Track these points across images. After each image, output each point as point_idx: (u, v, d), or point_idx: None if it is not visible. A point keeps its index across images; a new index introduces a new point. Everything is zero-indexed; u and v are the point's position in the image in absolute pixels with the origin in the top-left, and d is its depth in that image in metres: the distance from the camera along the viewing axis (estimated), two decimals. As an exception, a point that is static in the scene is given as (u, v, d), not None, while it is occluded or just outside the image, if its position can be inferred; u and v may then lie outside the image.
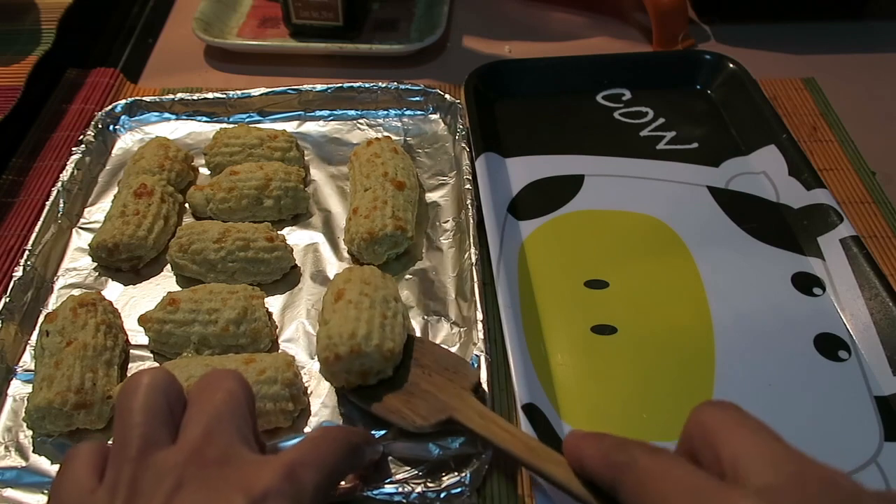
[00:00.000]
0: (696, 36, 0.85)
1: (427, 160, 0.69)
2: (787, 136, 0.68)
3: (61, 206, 0.63)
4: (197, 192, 0.64)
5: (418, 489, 0.45)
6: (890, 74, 0.81)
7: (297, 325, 0.56)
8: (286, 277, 0.60)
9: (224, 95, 0.74)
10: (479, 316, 0.53)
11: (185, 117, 0.74)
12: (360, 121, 0.74)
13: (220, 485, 0.34)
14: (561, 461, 0.40)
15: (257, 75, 0.82)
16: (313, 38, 0.83)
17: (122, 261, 0.59)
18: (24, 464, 0.48)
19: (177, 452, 0.35)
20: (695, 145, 0.71)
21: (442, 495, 0.45)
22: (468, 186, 0.63)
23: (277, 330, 0.56)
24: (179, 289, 0.58)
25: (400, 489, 0.45)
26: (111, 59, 0.87)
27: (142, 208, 0.60)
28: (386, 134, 0.71)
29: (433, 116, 0.73)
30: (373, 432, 0.49)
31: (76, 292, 0.57)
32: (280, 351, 0.55)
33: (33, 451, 0.49)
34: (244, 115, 0.74)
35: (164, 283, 0.60)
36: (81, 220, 0.65)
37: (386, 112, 0.74)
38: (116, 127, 0.73)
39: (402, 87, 0.73)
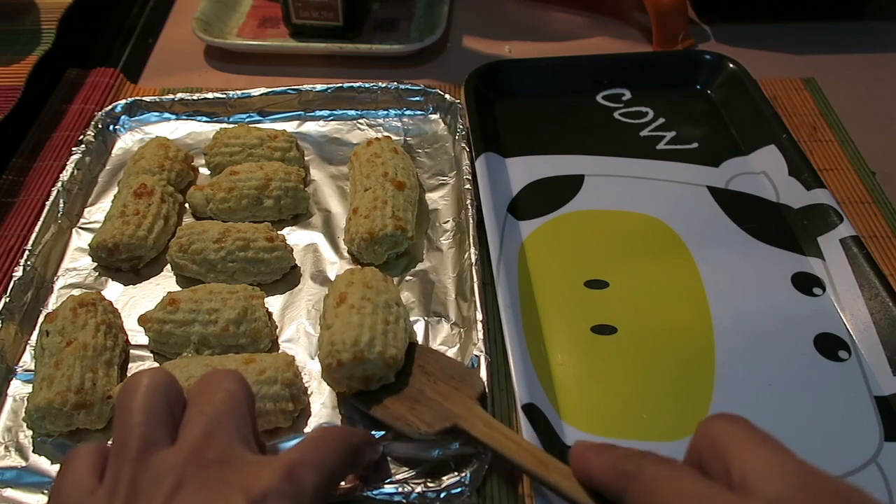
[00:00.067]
0: (696, 36, 0.85)
1: (427, 160, 0.69)
2: (787, 136, 0.68)
3: (61, 206, 0.63)
4: (197, 192, 0.64)
5: (418, 489, 0.45)
6: (890, 74, 0.81)
7: (297, 325, 0.56)
8: (286, 277, 0.60)
9: (224, 95, 0.74)
10: (479, 316, 0.53)
11: (185, 117, 0.74)
12: (360, 121, 0.74)
13: (220, 485, 0.34)
14: (566, 471, 0.40)
15: (257, 75, 0.82)
16: (313, 38, 0.83)
17: (122, 261, 0.59)
18: (24, 464, 0.48)
19: (176, 453, 0.35)
20: (695, 145, 0.71)
21: (442, 495, 0.45)
22: (468, 186, 0.63)
23: (277, 330, 0.56)
24: (179, 289, 0.58)
25: (400, 489, 0.45)
26: (111, 59, 0.87)
27: (142, 208, 0.60)
28: (386, 134, 0.71)
29: (433, 116, 0.73)
30: (373, 433, 0.49)
31: (76, 292, 0.57)
32: (280, 351, 0.55)
33: (33, 451, 0.49)
34: (244, 115, 0.74)
35: (164, 283, 0.60)
36: (81, 220, 0.65)
37: (386, 112, 0.74)
38: (116, 127, 0.73)
39: (402, 87, 0.73)
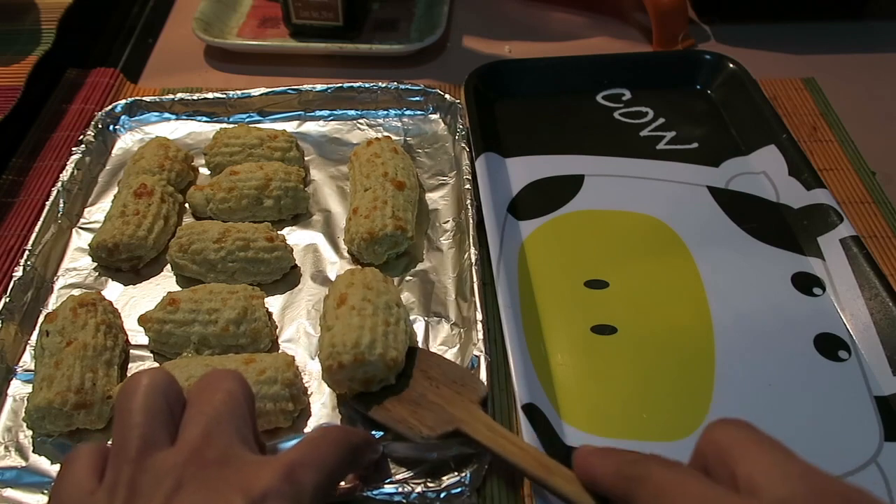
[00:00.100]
0: (696, 36, 0.85)
1: (427, 160, 0.69)
2: (787, 136, 0.68)
3: (61, 206, 0.63)
4: (197, 192, 0.64)
5: (418, 489, 0.45)
6: (890, 74, 0.81)
7: (297, 326, 0.56)
8: (286, 277, 0.60)
9: (224, 95, 0.74)
10: (479, 316, 0.53)
11: (185, 117, 0.74)
12: (360, 121, 0.74)
13: (220, 485, 0.34)
14: (570, 476, 0.40)
15: (257, 75, 0.82)
16: (313, 38, 0.83)
17: (122, 261, 0.59)
18: (24, 464, 0.48)
19: (176, 453, 0.35)
20: (695, 145, 0.71)
21: (442, 495, 0.45)
22: (468, 186, 0.63)
23: (277, 330, 0.56)
24: (179, 289, 0.58)
25: (400, 489, 0.45)
26: (111, 59, 0.87)
27: (142, 208, 0.60)
28: (386, 134, 0.71)
29: (433, 116, 0.73)
30: (372, 433, 0.49)
31: (76, 292, 0.57)
32: (280, 351, 0.55)
33: (33, 451, 0.49)
34: (244, 115, 0.74)
35: (164, 283, 0.60)
36: (81, 220, 0.65)
37: (386, 112, 0.74)
38: (116, 127, 0.73)
39: (402, 87, 0.73)
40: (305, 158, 0.70)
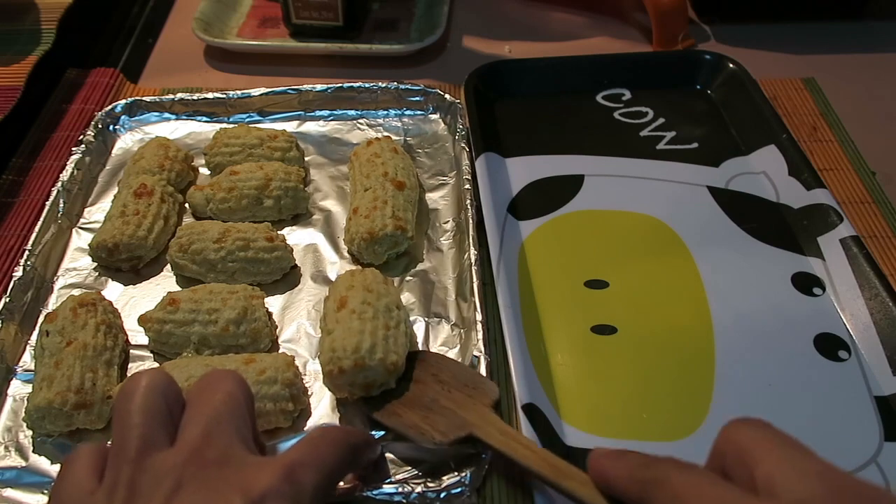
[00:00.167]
0: (696, 36, 0.85)
1: (427, 160, 0.69)
2: (787, 136, 0.68)
3: (61, 206, 0.63)
4: (197, 192, 0.64)
5: (418, 489, 0.45)
6: (890, 74, 0.81)
7: (297, 326, 0.56)
8: (286, 277, 0.60)
9: (224, 95, 0.74)
10: (479, 316, 0.53)
11: (185, 117, 0.74)
12: (360, 121, 0.74)
13: (219, 486, 0.34)
14: (584, 479, 0.40)
15: (257, 75, 0.82)
16: (313, 38, 0.83)
17: (122, 261, 0.59)
18: (24, 464, 0.48)
19: (175, 454, 0.35)
20: (695, 145, 0.71)
21: (442, 495, 0.45)
22: (468, 186, 0.63)
23: (277, 330, 0.56)
24: (179, 289, 0.58)
25: (400, 489, 0.45)
26: (111, 59, 0.87)
27: (142, 208, 0.60)
28: (386, 134, 0.71)
29: (433, 116, 0.73)
30: (372, 433, 0.49)
31: (76, 292, 0.57)
32: (280, 351, 0.55)
33: (33, 451, 0.49)
34: (244, 115, 0.74)
35: (164, 283, 0.60)
36: (81, 220, 0.65)
37: (386, 112, 0.74)
38: (116, 127, 0.73)
39: (402, 87, 0.73)
40: (305, 158, 0.70)
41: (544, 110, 0.75)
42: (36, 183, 0.69)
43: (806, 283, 0.58)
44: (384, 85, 0.73)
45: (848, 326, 0.55)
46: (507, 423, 0.48)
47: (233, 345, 0.53)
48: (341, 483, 0.44)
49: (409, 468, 0.47)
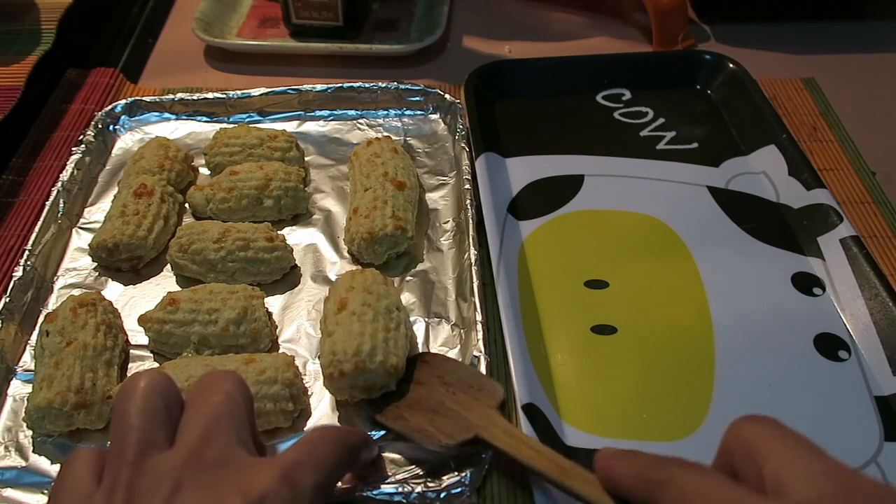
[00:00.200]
0: (696, 36, 0.85)
1: (427, 160, 0.69)
2: (787, 136, 0.68)
3: (61, 206, 0.63)
4: (197, 192, 0.64)
5: (418, 489, 0.45)
6: (890, 74, 0.81)
7: (297, 326, 0.56)
8: (286, 277, 0.60)
9: (224, 95, 0.74)
10: (479, 317, 0.53)
11: (185, 117, 0.74)
12: (360, 121, 0.74)
13: (218, 488, 0.34)
14: (591, 479, 0.40)
15: (257, 75, 0.82)
16: (313, 38, 0.83)
17: (122, 261, 0.59)
18: (24, 464, 0.48)
19: (174, 455, 0.35)
20: (695, 145, 0.71)
21: (442, 495, 0.45)
22: (468, 186, 0.63)
23: (277, 330, 0.56)
24: (179, 289, 0.58)
25: (400, 489, 0.45)
26: (111, 59, 0.87)
27: (142, 208, 0.60)
28: (386, 134, 0.71)
29: (433, 116, 0.73)
30: (371, 433, 0.49)
31: (76, 292, 0.57)
32: (280, 351, 0.55)
33: (33, 451, 0.49)
34: (244, 115, 0.74)
35: (164, 283, 0.60)
36: (81, 220, 0.65)
37: (386, 112, 0.74)
38: (116, 127, 0.73)
39: (402, 87, 0.73)
40: (305, 158, 0.70)
41: (544, 110, 0.75)
42: (36, 183, 0.69)
43: (806, 283, 0.58)
44: (384, 85, 0.73)
45: (848, 326, 0.55)
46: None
47: (233, 345, 0.53)
48: (340, 483, 0.44)
49: (409, 468, 0.47)
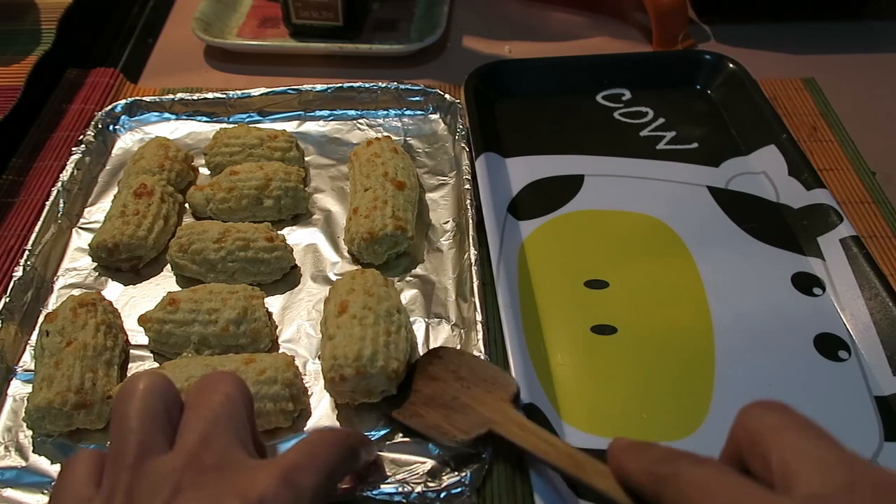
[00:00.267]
0: (696, 36, 0.85)
1: (427, 160, 0.69)
2: (787, 136, 0.68)
3: (61, 206, 0.63)
4: (197, 192, 0.64)
5: (418, 489, 0.45)
6: (890, 74, 0.81)
7: (297, 325, 0.56)
8: (286, 277, 0.60)
9: (224, 95, 0.74)
10: (479, 317, 0.53)
11: (185, 117, 0.74)
12: (360, 121, 0.74)
13: (218, 491, 0.33)
14: (605, 472, 0.39)
15: (257, 75, 0.82)
16: (313, 38, 0.83)
17: (122, 261, 0.59)
18: (24, 464, 0.48)
19: (174, 458, 0.35)
20: (695, 145, 0.71)
21: (442, 495, 0.45)
22: (468, 186, 0.63)
23: (277, 330, 0.56)
24: (179, 289, 0.58)
25: (400, 489, 0.45)
26: (111, 59, 0.87)
27: (142, 208, 0.60)
28: (386, 134, 0.71)
29: (433, 116, 0.73)
30: (370, 433, 0.49)
31: (76, 292, 0.57)
32: (280, 351, 0.55)
33: (33, 451, 0.49)
34: (244, 115, 0.74)
35: (164, 283, 0.60)
36: (81, 220, 0.65)
37: (386, 112, 0.74)
38: (116, 127, 0.73)
39: (402, 87, 0.73)
40: (305, 158, 0.70)
41: (544, 110, 0.75)
42: (36, 183, 0.69)
43: (806, 283, 0.58)
44: (384, 85, 0.73)
45: (848, 326, 0.55)
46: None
47: (233, 345, 0.53)
48: (340, 484, 0.44)
49: (409, 468, 0.47)
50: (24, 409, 0.50)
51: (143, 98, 0.74)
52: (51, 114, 0.76)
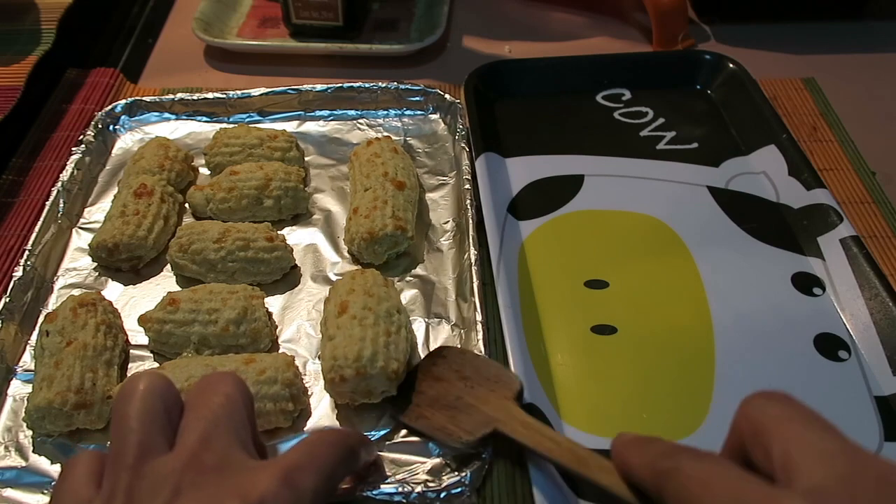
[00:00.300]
0: (696, 36, 0.85)
1: (427, 160, 0.69)
2: (787, 136, 0.68)
3: (61, 206, 0.63)
4: (197, 192, 0.64)
5: (418, 489, 0.45)
6: (890, 74, 0.81)
7: (297, 325, 0.56)
8: (286, 277, 0.60)
9: (224, 95, 0.74)
10: (479, 317, 0.53)
11: (185, 117, 0.74)
12: (360, 121, 0.74)
13: (218, 492, 0.33)
14: (609, 468, 0.39)
15: (257, 75, 0.82)
16: (313, 38, 0.83)
17: (122, 261, 0.59)
18: (24, 464, 0.48)
19: (174, 459, 0.35)
20: (695, 145, 0.71)
21: (442, 495, 0.45)
22: (468, 186, 0.63)
23: (277, 330, 0.56)
24: (179, 289, 0.58)
25: (400, 489, 0.45)
26: (111, 59, 0.87)
27: (142, 208, 0.60)
28: (386, 134, 0.71)
29: (433, 116, 0.73)
30: (370, 433, 0.49)
31: (76, 292, 0.57)
32: (280, 351, 0.55)
33: (33, 451, 0.49)
34: (244, 115, 0.74)
35: (164, 283, 0.60)
36: (81, 220, 0.65)
37: (386, 112, 0.74)
38: (116, 127, 0.73)
39: (402, 87, 0.73)
40: (305, 158, 0.70)
41: (544, 110, 0.75)
42: (36, 183, 0.69)
43: (806, 283, 0.58)
44: (384, 85, 0.73)
45: (848, 326, 0.55)
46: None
47: (233, 345, 0.53)
48: (340, 484, 0.44)
49: (409, 468, 0.47)
50: (24, 409, 0.50)
51: (143, 98, 0.74)
52: (51, 114, 0.76)
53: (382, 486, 0.45)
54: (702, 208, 0.65)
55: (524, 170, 0.68)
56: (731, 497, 0.31)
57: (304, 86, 0.74)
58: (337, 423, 0.50)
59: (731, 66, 0.76)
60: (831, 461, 0.30)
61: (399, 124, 0.73)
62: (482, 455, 0.47)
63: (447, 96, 0.72)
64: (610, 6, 0.91)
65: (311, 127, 0.73)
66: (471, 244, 0.58)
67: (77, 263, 0.61)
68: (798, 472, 0.30)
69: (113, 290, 0.59)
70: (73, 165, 0.66)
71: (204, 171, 0.69)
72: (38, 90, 0.77)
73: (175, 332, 0.53)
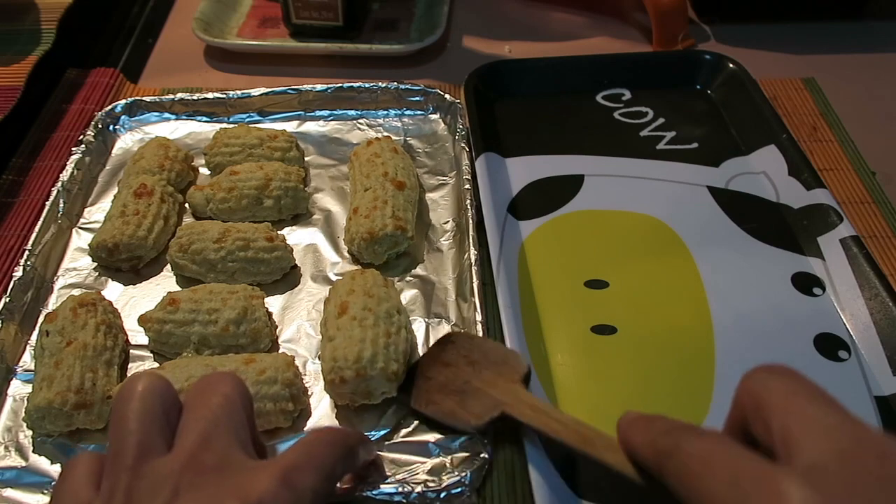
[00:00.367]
0: (696, 36, 0.85)
1: (427, 160, 0.69)
2: (787, 136, 0.68)
3: (61, 206, 0.63)
4: (197, 192, 0.64)
5: (418, 489, 0.45)
6: (890, 74, 0.81)
7: (297, 325, 0.56)
8: (286, 277, 0.60)
9: (224, 95, 0.74)
10: (479, 317, 0.53)
11: (185, 117, 0.74)
12: (360, 121, 0.74)
13: (217, 492, 0.33)
14: (615, 447, 0.39)
15: (257, 75, 0.82)
16: (313, 38, 0.83)
17: (122, 261, 0.59)
18: (23, 464, 0.48)
19: (173, 460, 0.34)
20: (695, 145, 0.71)
21: (442, 495, 0.45)
22: (468, 186, 0.63)
23: (277, 330, 0.56)
24: (179, 289, 0.58)
25: (400, 489, 0.45)
26: (111, 59, 0.87)
27: (142, 208, 0.60)
28: (386, 134, 0.71)
29: (433, 116, 0.73)
30: (370, 433, 0.49)
31: (76, 292, 0.57)
32: (280, 351, 0.55)
33: (33, 451, 0.49)
34: (244, 115, 0.74)
35: (164, 283, 0.60)
36: (81, 220, 0.65)
37: (386, 112, 0.74)
38: (116, 127, 0.73)
39: (402, 87, 0.73)
40: (305, 158, 0.70)
41: (544, 110, 0.75)
42: (36, 183, 0.69)
43: (806, 283, 0.58)
44: (384, 85, 0.73)
45: (848, 326, 0.55)
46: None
47: (233, 345, 0.53)
48: (339, 484, 0.44)
49: (409, 468, 0.47)
50: (24, 409, 0.50)
51: (143, 98, 0.74)
52: (51, 114, 0.76)
53: (382, 485, 0.46)
54: (702, 208, 0.65)
55: (524, 170, 0.68)
56: (730, 474, 0.30)
57: (304, 86, 0.74)
58: (337, 423, 0.50)
59: (731, 66, 0.76)
60: (832, 436, 0.29)
61: (399, 124, 0.73)
62: (482, 455, 0.47)
63: (447, 96, 0.72)
64: (610, 6, 0.91)
65: (311, 127, 0.73)
66: (471, 244, 0.58)
67: (77, 263, 0.61)
68: (798, 447, 0.29)
69: (113, 290, 0.59)
70: (73, 165, 0.66)
71: (204, 171, 0.69)
72: (38, 90, 0.77)
73: (175, 332, 0.53)
